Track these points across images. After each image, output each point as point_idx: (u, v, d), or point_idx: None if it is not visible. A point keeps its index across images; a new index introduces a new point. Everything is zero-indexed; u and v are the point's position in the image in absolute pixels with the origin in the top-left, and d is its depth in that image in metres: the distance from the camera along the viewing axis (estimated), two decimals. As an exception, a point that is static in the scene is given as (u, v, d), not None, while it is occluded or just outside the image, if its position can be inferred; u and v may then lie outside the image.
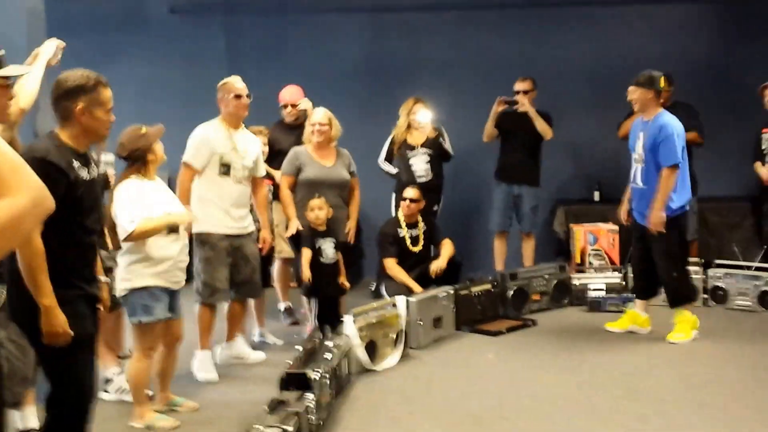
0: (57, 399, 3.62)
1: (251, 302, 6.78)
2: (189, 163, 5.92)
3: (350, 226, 7.07)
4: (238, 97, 6.05)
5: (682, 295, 6.77)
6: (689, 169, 8.09)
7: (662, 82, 6.64)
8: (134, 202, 4.79)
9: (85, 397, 3.71)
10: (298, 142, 7.30)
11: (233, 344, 6.35)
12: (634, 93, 6.63)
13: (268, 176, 6.88)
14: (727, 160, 8.41)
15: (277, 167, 7.17)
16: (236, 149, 6.01)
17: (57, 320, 3.47)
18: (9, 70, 3.36)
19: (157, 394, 5.24)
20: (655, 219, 6.51)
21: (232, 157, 5.97)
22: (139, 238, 4.79)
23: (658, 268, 6.69)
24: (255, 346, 6.63)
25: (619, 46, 9.27)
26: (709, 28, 9.40)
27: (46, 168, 3.39)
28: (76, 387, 3.66)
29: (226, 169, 5.95)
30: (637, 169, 6.71)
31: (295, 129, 7.59)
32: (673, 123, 6.56)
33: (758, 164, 8.02)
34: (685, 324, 6.66)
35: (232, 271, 6.02)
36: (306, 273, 6.56)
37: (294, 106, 7.71)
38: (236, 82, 6.11)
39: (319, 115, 6.97)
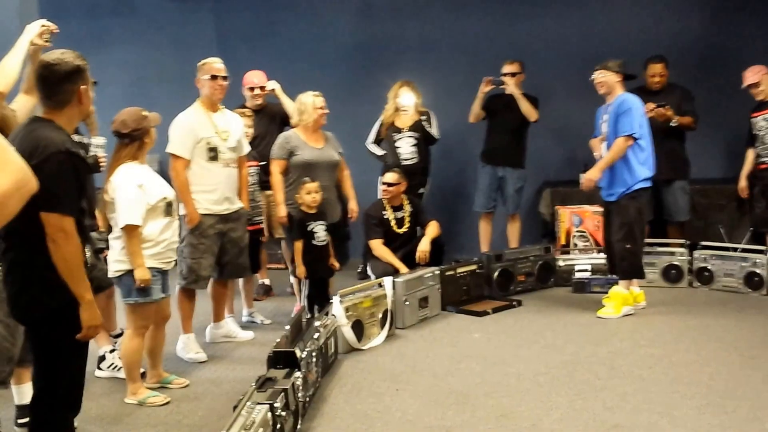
0: (54, 393, 3.54)
1: (239, 283, 6.88)
2: (178, 154, 5.89)
3: (352, 206, 7.21)
4: (213, 78, 6.03)
5: (632, 269, 6.95)
6: (681, 152, 8.21)
7: (624, 67, 6.89)
8: (139, 199, 4.90)
9: (81, 388, 3.69)
10: (263, 126, 7.45)
11: (222, 324, 6.45)
12: (603, 75, 6.85)
13: (254, 158, 6.96)
14: (716, 142, 8.47)
15: None
16: (219, 132, 6.02)
17: (97, 313, 3.48)
18: None
19: (148, 372, 5.33)
20: (589, 175, 6.84)
21: (217, 141, 5.99)
22: (130, 234, 4.90)
23: (613, 239, 6.89)
24: (243, 326, 6.73)
25: (607, 28, 9.32)
26: (700, 8, 9.43)
27: (74, 160, 3.41)
28: (79, 379, 3.65)
29: (213, 153, 5.97)
30: (603, 148, 6.96)
31: (258, 113, 7.62)
32: (633, 99, 6.79)
33: (749, 151, 8.11)
34: (617, 300, 6.86)
35: (219, 253, 6.09)
36: (301, 269, 6.67)
37: (262, 88, 7.75)
38: (214, 63, 6.09)
39: (321, 100, 7.01)
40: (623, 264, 6.97)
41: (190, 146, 5.90)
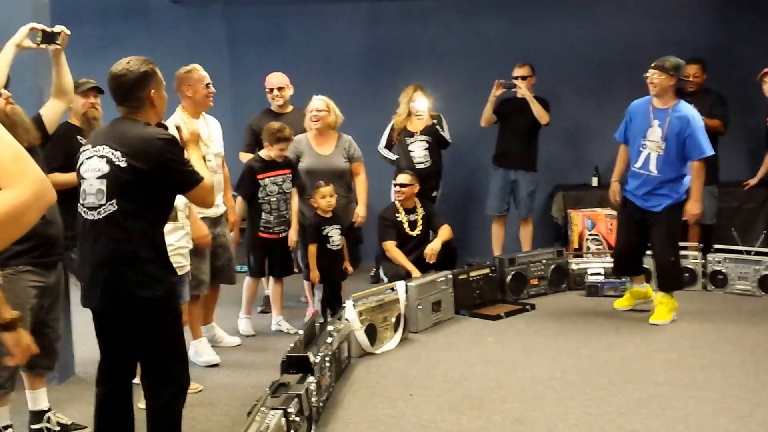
0: (169, 380, 3.85)
1: (265, 290, 6.99)
2: None
3: (359, 212, 7.15)
4: (208, 85, 5.99)
5: (675, 281, 6.89)
6: (711, 156, 8.14)
7: (684, 71, 6.75)
8: None
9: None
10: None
11: (208, 328, 6.42)
12: (658, 77, 6.55)
13: (288, 166, 6.83)
14: (727, 145, 8.41)
15: None
16: (203, 139, 5.82)
17: None
18: None
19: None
20: (692, 210, 6.67)
21: (203, 149, 5.79)
22: None
23: (656, 251, 6.78)
24: (272, 334, 6.77)
25: (616, 30, 9.28)
26: (710, 9, 9.39)
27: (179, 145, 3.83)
28: (185, 358, 3.99)
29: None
30: (650, 156, 6.69)
31: (281, 116, 7.41)
32: (697, 115, 6.65)
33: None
34: (665, 306, 6.78)
35: (211, 258, 6.05)
36: (315, 273, 6.68)
37: (281, 89, 7.49)
38: (203, 71, 6.04)
39: (317, 102, 7.01)
40: (667, 276, 6.86)
41: None
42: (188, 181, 3.75)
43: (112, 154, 3.63)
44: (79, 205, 3.73)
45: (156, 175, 3.63)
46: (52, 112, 4.89)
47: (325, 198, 6.69)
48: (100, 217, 3.62)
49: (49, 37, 4.68)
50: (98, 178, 3.64)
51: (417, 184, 7.58)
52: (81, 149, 3.81)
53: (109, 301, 3.69)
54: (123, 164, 3.60)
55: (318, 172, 6.92)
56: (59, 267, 4.39)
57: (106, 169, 3.62)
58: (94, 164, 3.66)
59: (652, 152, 6.70)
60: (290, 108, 7.58)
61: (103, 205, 3.61)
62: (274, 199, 6.64)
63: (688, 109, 6.63)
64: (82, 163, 3.74)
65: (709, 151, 6.58)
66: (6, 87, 4.36)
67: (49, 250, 4.18)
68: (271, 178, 6.62)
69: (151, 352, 3.80)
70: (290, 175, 6.78)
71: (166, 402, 3.85)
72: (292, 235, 6.79)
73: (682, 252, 7.81)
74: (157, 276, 3.70)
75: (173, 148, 3.72)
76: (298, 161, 6.95)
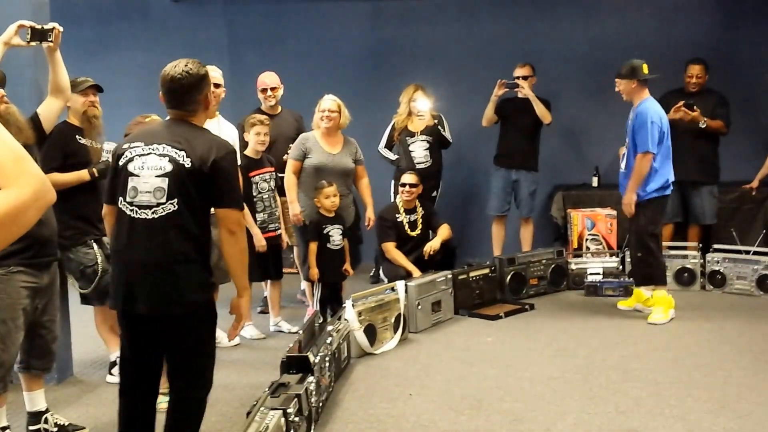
0: (200, 382, 3.87)
1: (265, 292, 6.95)
2: None
3: (369, 215, 7.17)
4: (217, 86, 5.97)
5: (643, 276, 6.95)
6: (713, 156, 8.17)
7: (644, 69, 6.76)
8: None
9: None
10: (275, 130, 7.22)
11: None
12: (619, 85, 6.81)
13: (271, 164, 6.89)
14: (727, 146, 8.41)
15: None
16: None
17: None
18: None
19: (161, 377, 5.31)
20: (626, 200, 6.77)
21: None
22: None
23: (629, 246, 6.86)
24: (270, 335, 6.76)
25: (617, 30, 9.27)
26: (712, 10, 9.36)
27: (236, 159, 3.84)
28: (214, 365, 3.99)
29: None
30: (624, 154, 6.95)
31: (272, 117, 7.32)
32: (649, 110, 6.69)
33: None
34: (662, 305, 6.81)
35: None
36: (314, 271, 6.68)
37: (274, 89, 7.46)
38: (213, 71, 5.95)
39: (329, 102, 7.01)
40: (635, 271, 7.04)
41: None
42: (231, 197, 3.70)
43: (177, 153, 3.60)
44: (123, 203, 3.65)
45: (211, 179, 3.61)
46: (49, 110, 4.89)
47: (329, 198, 6.69)
48: (157, 216, 3.57)
49: (39, 35, 4.63)
50: (159, 176, 3.59)
51: (421, 185, 7.60)
52: (126, 146, 3.73)
53: (159, 303, 3.64)
54: (188, 165, 3.58)
55: (327, 169, 6.93)
56: (53, 268, 4.36)
57: (169, 167, 3.59)
58: (153, 162, 3.61)
59: (625, 149, 6.92)
60: (279, 109, 7.57)
61: (163, 204, 3.57)
62: (266, 196, 6.66)
63: (644, 105, 6.74)
64: (131, 159, 3.66)
65: (644, 147, 6.61)
66: (2, 85, 4.36)
67: (42, 250, 4.16)
68: (261, 176, 6.64)
69: (190, 354, 3.78)
70: (274, 173, 6.82)
71: (196, 404, 3.87)
72: (284, 236, 6.86)
73: (682, 252, 7.88)
74: (205, 278, 3.72)
75: (235, 160, 3.79)
76: (305, 157, 6.95)
